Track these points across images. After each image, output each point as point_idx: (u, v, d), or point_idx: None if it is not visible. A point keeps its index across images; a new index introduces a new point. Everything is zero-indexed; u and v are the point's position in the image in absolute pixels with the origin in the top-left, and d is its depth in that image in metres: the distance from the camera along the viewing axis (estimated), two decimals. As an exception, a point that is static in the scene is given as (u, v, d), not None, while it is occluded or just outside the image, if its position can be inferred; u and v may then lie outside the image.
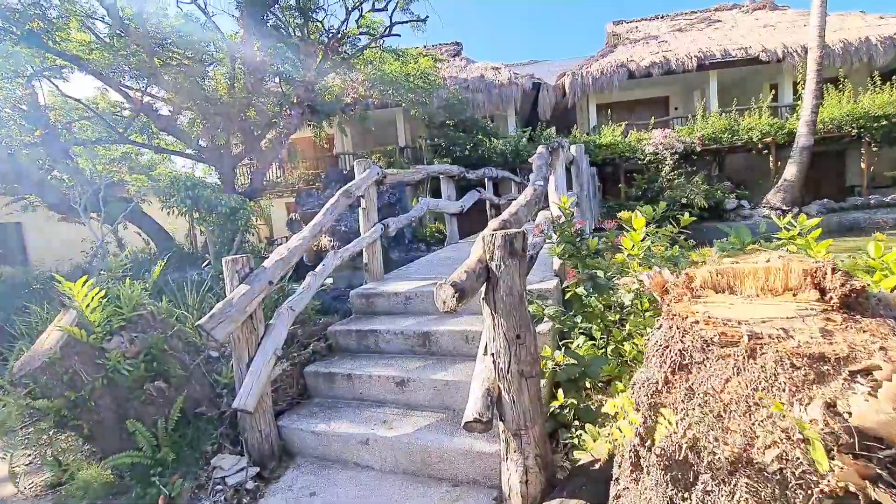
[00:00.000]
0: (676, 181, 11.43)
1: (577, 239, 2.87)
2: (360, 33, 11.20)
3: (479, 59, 16.99)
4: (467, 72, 15.94)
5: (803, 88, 10.66)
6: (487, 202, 7.71)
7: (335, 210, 3.28)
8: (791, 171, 10.55)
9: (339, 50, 10.96)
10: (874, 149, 11.76)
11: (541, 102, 14.97)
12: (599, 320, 2.72)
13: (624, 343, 2.52)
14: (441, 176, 5.39)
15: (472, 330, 2.93)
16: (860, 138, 11.77)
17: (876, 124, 11.46)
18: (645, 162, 12.07)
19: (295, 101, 9.90)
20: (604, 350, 2.62)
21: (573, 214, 3.07)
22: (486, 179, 7.56)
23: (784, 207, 10.38)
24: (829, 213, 11.30)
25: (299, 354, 3.32)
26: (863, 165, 12.13)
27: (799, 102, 12.21)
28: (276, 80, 10.31)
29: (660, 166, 11.85)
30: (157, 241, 9.04)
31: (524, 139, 12.90)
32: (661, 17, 18.38)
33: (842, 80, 12.37)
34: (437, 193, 5.79)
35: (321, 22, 10.55)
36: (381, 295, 3.48)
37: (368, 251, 3.88)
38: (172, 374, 2.62)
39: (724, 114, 12.86)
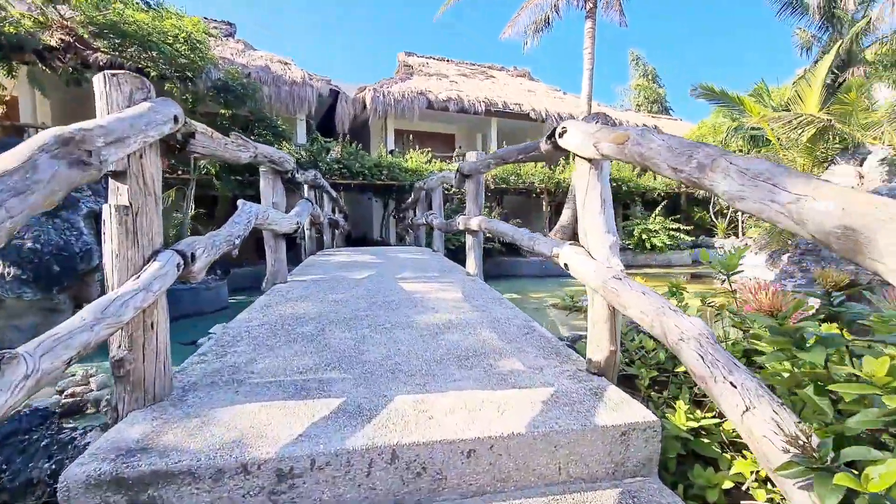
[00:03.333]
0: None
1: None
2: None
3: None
4: (247, 58, 12.93)
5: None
6: (325, 221, 5.49)
7: None
8: (567, 215, 12.04)
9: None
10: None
11: (339, 113, 13.30)
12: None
13: None
14: (266, 167, 3.12)
15: None
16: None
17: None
18: (450, 192, 11.84)
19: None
20: None
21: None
22: (314, 188, 5.39)
23: (562, 246, 11.72)
24: (586, 253, 13.44)
25: None
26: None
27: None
28: None
29: (464, 197, 11.81)
30: None
31: (331, 153, 10.92)
32: (448, 61, 19.55)
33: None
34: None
35: None
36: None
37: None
38: None
39: (508, 157, 14.00)
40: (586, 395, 1.42)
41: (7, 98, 9.94)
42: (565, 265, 1.70)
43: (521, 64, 21.41)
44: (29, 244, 4.36)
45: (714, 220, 16.49)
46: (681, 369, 1.63)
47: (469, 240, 3.54)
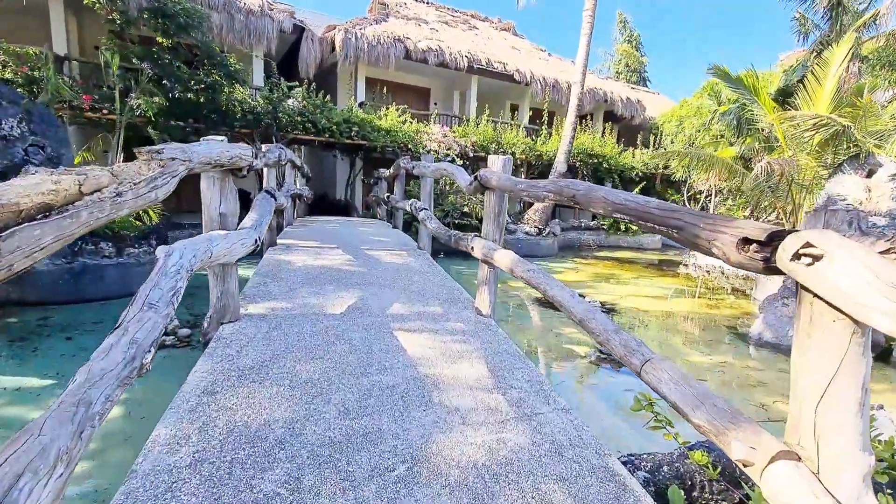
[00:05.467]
0: (457, 185, 10.66)
1: None
2: None
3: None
4: (194, -26, 10.78)
5: (536, 115, 11.58)
6: (286, 199, 4.29)
7: None
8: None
9: None
10: (587, 180, 14.21)
11: (304, 54, 11.58)
12: None
13: None
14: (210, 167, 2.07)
15: None
16: (576, 169, 14.00)
17: (589, 160, 13.84)
18: (427, 158, 10.76)
19: None
20: None
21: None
22: (273, 169, 4.23)
23: (540, 226, 11.11)
24: (563, 232, 12.99)
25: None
26: (576, 192, 14.56)
27: (536, 127, 13.63)
28: None
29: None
30: None
31: (293, 100, 9.43)
32: (427, 2, 17.65)
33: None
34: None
35: None
36: None
37: None
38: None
39: (489, 122, 12.95)
40: None
41: None
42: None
43: (503, 16, 19.77)
44: None
45: (687, 204, 16.43)
46: None
47: (483, 271, 2.74)
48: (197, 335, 4.18)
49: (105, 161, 6.74)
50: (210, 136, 2.16)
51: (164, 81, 8.18)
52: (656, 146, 17.41)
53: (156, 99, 7.82)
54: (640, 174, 15.42)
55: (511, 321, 5.77)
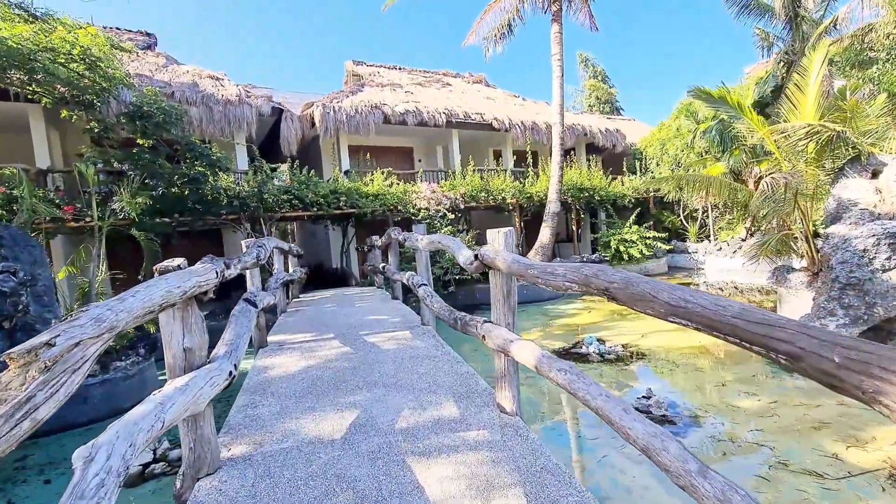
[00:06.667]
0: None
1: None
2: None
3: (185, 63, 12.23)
4: (170, 74, 11.12)
5: (519, 156, 11.57)
6: (277, 289, 3.93)
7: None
8: (546, 234, 11.12)
9: None
10: (582, 215, 14.08)
11: (284, 134, 11.71)
12: None
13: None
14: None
15: None
16: (568, 205, 13.88)
17: (581, 195, 13.75)
18: (419, 218, 10.61)
19: None
20: None
21: None
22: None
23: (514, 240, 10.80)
24: (566, 271, 12.64)
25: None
26: (574, 228, 14.38)
27: (522, 169, 13.64)
28: None
29: (432, 222, 10.62)
30: None
31: (278, 180, 9.38)
32: (399, 69, 18.31)
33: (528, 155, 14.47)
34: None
35: None
36: None
37: None
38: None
39: (475, 172, 12.94)
40: None
41: None
42: None
43: (473, 69, 20.50)
44: None
45: (685, 224, 16.23)
46: None
47: (500, 360, 2.36)
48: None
49: (87, 274, 6.46)
50: (165, 264, 1.84)
51: (147, 181, 8.10)
52: (643, 170, 17.47)
53: (138, 199, 7.70)
54: (633, 200, 15.31)
55: (541, 414, 4.69)
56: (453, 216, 11.14)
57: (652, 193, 16.09)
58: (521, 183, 13.09)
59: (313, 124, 12.22)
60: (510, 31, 12.30)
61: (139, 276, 7.42)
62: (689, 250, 15.41)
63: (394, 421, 2.39)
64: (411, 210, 10.76)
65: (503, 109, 15.87)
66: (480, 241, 11.65)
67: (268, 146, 13.47)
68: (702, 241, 15.65)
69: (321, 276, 13.04)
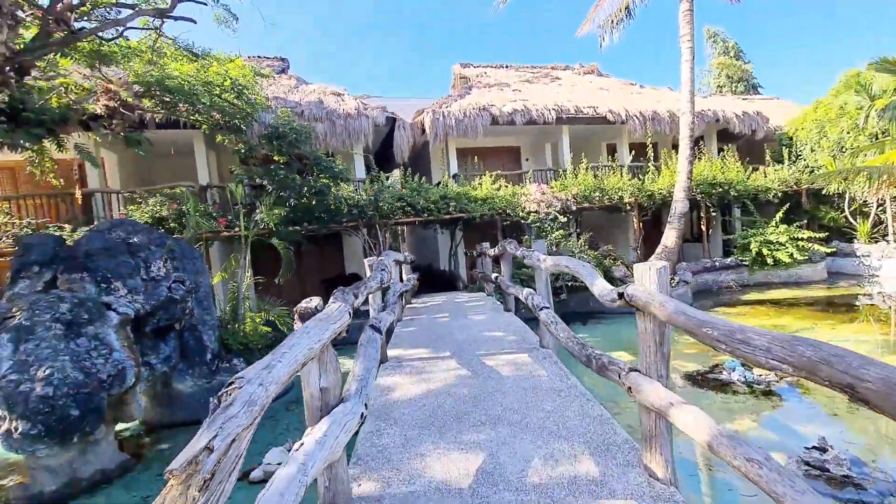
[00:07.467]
0: (563, 244, 9.92)
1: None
2: (119, 3, 6.66)
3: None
4: (300, 94, 12.26)
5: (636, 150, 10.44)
6: (394, 303, 4.07)
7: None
8: (671, 236, 10.02)
9: (73, 26, 6.19)
10: (713, 213, 12.45)
11: (397, 141, 12.22)
12: None
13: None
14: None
15: None
16: (698, 203, 12.33)
17: (712, 190, 12.12)
18: (528, 221, 10.28)
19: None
20: None
21: None
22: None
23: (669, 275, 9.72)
24: (695, 276, 11.30)
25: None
26: (703, 227, 12.77)
27: (640, 163, 12.43)
28: None
29: (542, 226, 10.21)
30: None
31: (391, 188, 9.82)
32: (507, 67, 18.00)
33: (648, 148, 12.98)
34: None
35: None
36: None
37: None
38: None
39: (588, 170, 12.14)
40: None
41: (74, 167, 9.90)
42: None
43: (584, 60, 19.32)
44: (39, 389, 3.46)
45: (851, 221, 13.43)
46: None
47: (649, 419, 2.04)
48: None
49: (235, 278, 7.38)
50: (303, 306, 1.88)
51: (281, 193, 9.03)
52: (793, 158, 14.86)
53: (275, 211, 8.61)
54: (780, 194, 13.05)
55: (693, 476, 3.66)
56: (565, 219, 10.59)
57: (804, 186, 13.61)
58: (639, 179, 11.98)
59: (423, 131, 12.54)
60: (629, 14, 11.27)
61: (276, 281, 8.29)
62: (858, 253, 12.73)
63: (524, 473, 2.21)
64: (520, 213, 10.47)
65: (618, 100, 14.69)
66: (592, 244, 10.94)
67: (382, 154, 14.19)
68: (876, 241, 12.82)
69: (430, 278, 13.38)
